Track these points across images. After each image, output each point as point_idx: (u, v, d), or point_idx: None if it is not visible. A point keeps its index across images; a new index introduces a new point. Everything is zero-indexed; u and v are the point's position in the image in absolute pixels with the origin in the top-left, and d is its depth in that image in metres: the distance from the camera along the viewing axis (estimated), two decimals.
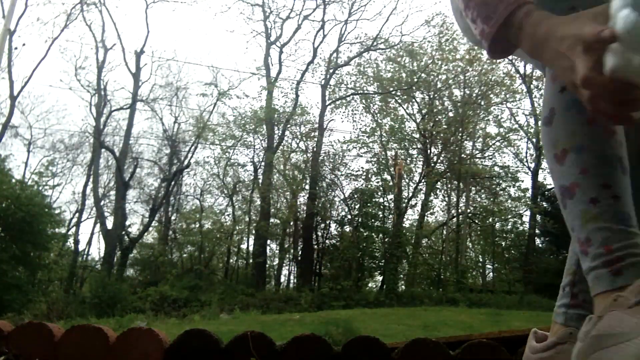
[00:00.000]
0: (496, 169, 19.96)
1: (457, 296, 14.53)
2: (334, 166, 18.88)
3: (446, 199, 20.14)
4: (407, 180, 19.23)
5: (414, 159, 19.67)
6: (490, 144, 19.73)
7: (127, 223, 18.74)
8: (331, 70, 19.07)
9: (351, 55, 19.37)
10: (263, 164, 18.36)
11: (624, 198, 0.73)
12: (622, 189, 0.74)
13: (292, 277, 19.79)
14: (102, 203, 19.44)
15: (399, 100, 19.35)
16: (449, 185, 20.05)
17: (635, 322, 0.64)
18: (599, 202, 0.73)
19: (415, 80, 18.29)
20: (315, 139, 18.59)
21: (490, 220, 19.61)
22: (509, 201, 19.70)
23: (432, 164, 18.56)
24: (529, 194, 18.80)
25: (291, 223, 18.68)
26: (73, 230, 19.75)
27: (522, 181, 19.50)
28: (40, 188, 14.96)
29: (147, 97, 19.68)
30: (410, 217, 19.16)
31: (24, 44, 20.91)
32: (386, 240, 17.42)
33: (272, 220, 18.74)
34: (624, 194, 0.74)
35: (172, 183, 19.44)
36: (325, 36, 19.43)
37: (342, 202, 18.70)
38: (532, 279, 16.65)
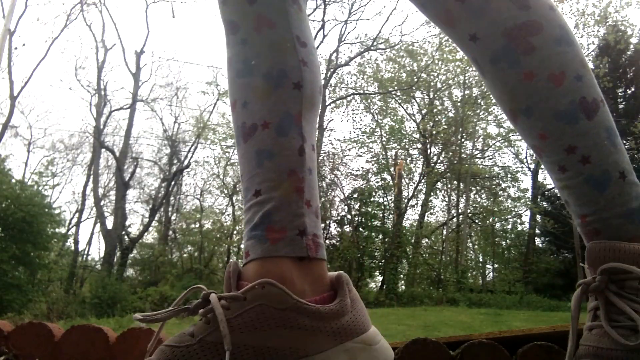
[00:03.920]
0: (496, 169, 19.98)
1: (457, 296, 14.51)
2: (334, 166, 18.88)
3: (446, 199, 20.16)
4: (407, 180, 19.25)
5: (414, 159, 19.70)
6: (490, 144, 19.74)
7: (127, 223, 18.74)
8: (331, 70, 19.08)
9: (351, 55, 19.39)
10: None
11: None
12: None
13: None
14: (102, 203, 19.44)
15: (399, 101, 19.35)
16: (449, 186, 20.07)
17: None
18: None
19: (415, 80, 18.28)
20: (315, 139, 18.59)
21: (490, 220, 19.62)
22: (509, 201, 19.72)
23: (432, 164, 18.56)
24: (529, 194, 18.82)
25: None
26: (73, 230, 19.77)
27: (522, 181, 19.55)
28: (40, 188, 14.92)
29: (147, 97, 19.72)
30: (410, 217, 19.18)
31: (24, 44, 20.90)
32: (386, 240, 17.40)
33: None
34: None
35: (172, 183, 19.44)
36: (325, 36, 19.38)
37: (342, 202, 18.70)
38: (532, 279, 16.63)
